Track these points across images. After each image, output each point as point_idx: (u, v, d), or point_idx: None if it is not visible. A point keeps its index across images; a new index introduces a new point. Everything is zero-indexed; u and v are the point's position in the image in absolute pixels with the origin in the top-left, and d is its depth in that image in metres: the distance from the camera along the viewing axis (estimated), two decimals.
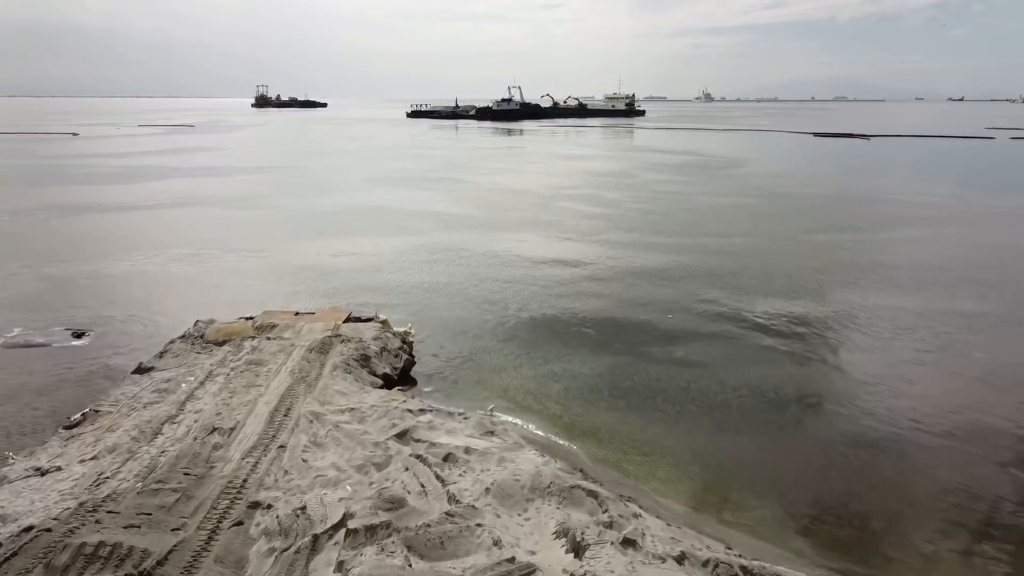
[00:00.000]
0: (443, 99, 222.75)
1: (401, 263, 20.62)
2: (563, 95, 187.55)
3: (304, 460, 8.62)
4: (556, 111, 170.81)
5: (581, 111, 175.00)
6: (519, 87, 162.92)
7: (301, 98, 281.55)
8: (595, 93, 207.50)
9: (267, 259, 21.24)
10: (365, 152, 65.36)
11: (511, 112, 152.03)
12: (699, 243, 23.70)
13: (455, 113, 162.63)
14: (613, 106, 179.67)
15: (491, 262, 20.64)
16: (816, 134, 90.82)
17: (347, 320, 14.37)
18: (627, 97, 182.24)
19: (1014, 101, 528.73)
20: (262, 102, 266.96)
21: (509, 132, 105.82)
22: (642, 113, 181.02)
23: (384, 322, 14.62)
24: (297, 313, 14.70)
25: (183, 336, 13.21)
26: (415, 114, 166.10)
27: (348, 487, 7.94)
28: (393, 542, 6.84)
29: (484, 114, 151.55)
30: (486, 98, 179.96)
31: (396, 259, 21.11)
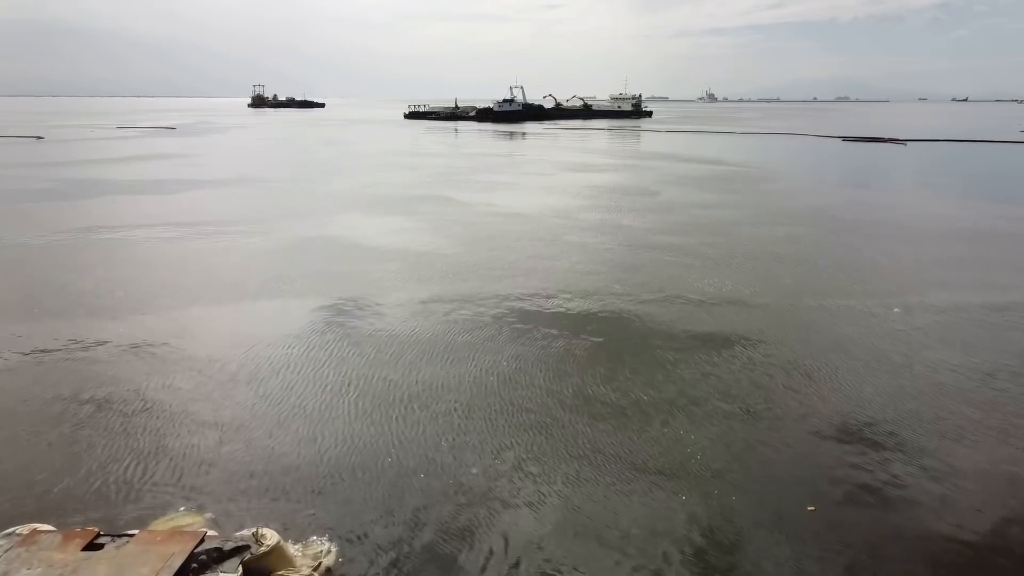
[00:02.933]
0: (445, 99, 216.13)
1: (323, 369, 13.20)
2: (565, 96, 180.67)
3: None
4: (559, 112, 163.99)
5: (585, 112, 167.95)
6: (521, 87, 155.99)
7: (299, 98, 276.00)
8: (597, 93, 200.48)
9: (114, 351, 13.95)
10: (349, 159, 58.17)
11: (513, 113, 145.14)
12: (778, 318, 16.40)
13: (454, 114, 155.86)
14: (619, 107, 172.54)
15: (475, 368, 13.26)
16: (845, 138, 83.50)
17: (192, 556, 7.20)
18: (633, 97, 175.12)
19: (1021, 102, 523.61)
20: (258, 102, 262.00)
21: (511, 136, 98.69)
22: (649, 114, 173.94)
23: (270, 554, 7.44)
24: (96, 540, 7.47)
25: None
26: (413, 115, 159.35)
27: None
28: None
29: (485, 115, 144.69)
30: (488, 99, 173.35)
31: (319, 357, 13.71)
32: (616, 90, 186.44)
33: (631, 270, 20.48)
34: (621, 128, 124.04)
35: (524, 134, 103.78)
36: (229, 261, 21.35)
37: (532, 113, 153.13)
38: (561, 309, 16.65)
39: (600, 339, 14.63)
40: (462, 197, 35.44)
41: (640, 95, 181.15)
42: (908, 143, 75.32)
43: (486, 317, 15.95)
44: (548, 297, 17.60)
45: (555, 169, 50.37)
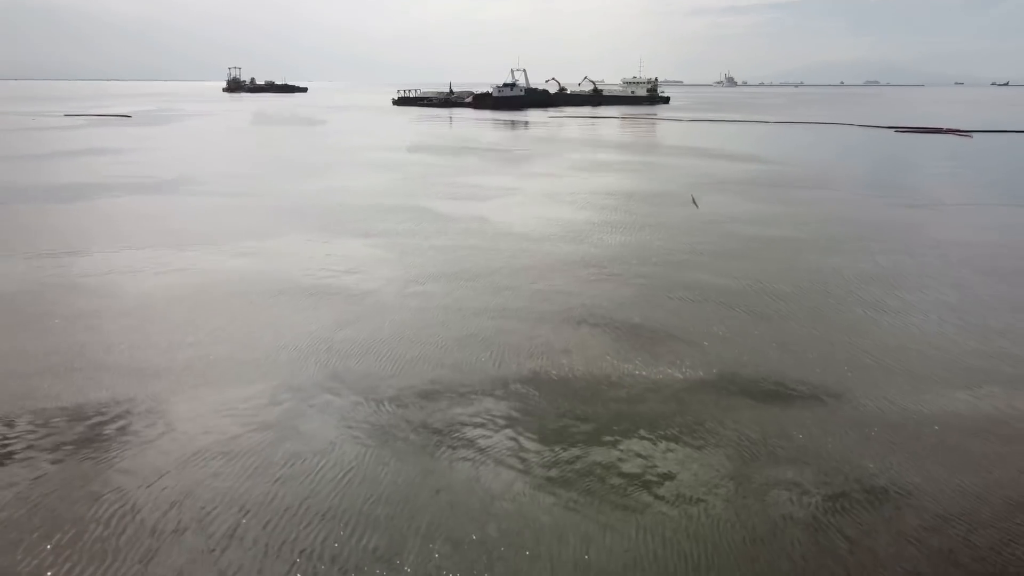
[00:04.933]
0: (439, 84, 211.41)
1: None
2: (573, 79, 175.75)
3: None
4: (566, 98, 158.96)
5: (595, 98, 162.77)
6: (523, 70, 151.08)
7: (279, 82, 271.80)
8: (606, 76, 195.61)
9: None
10: (318, 155, 52.79)
11: (514, 99, 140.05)
12: (924, 451, 11.06)
13: (448, 100, 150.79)
14: (632, 92, 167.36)
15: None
16: (897, 129, 77.95)
17: None
18: (649, 81, 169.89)
19: None
20: (234, 86, 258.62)
21: (512, 125, 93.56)
22: (666, 100, 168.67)
23: None
24: None
25: None
26: (402, 101, 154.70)
27: None
28: None
29: (483, 101, 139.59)
30: (486, 83, 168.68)
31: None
32: (629, 73, 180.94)
33: (668, 336, 15.06)
34: (635, 116, 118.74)
35: (526, 123, 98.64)
36: (81, 328, 15.98)
37: (535, 99, 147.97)
38: (574, 425, 11.27)
39: (630, 492, 9.26)
40: (445, 208, 30.09)
41: (656, 79, 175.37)
42: (973, 135, 69.85)
43: (444, 456, 10.59)
44: (553, 400, 12.22)
45: (562, 168, 45.01)
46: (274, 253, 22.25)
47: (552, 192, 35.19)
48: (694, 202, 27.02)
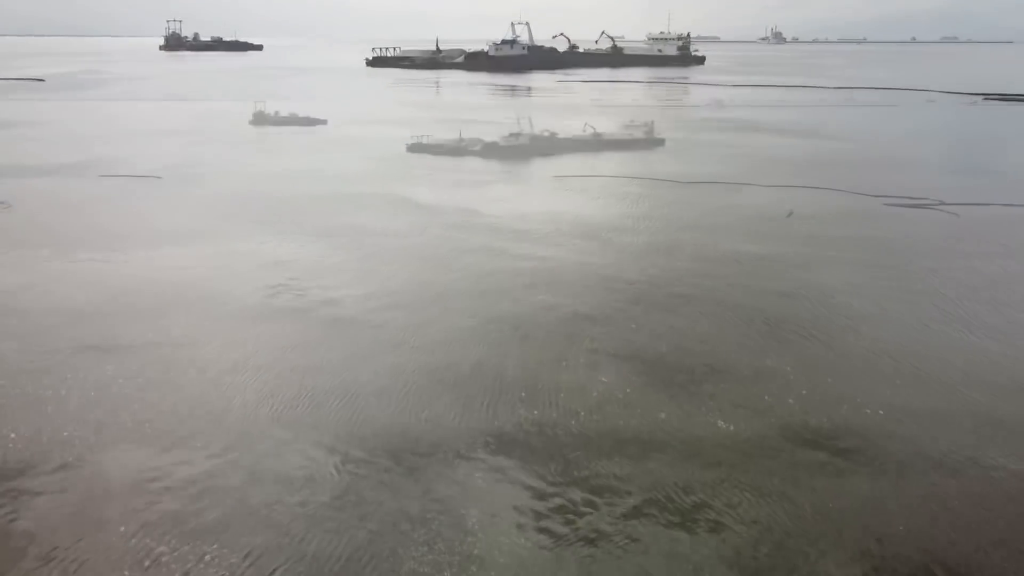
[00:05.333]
0: (424, 40, 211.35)
1: None
2: (585, 35, 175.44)
3: None
4: (578, 58, 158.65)
5: (614, 57, 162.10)
6: (527, 23, 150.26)
7: (227, 38, 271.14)
8: (627, 31, 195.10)
9: None
10: (273, 130, 51.81)
11: (515, 60, 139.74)
12: None
13: (435, 60, 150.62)
14: (660, 50, 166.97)
15: None
16: (986, 96, 77.28)
17: None
18: (679, 38, 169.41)
19: None
20: (174, 43, 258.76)
21: (512, 91, 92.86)
22: (701, 60, 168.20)
23: None
24: None
25: None
26: (378, 61, 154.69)
27: None
28: None
29: (476, 62, 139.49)
30: (481, 39, 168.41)
31: None
32: (655, 27, 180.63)
33: (707, 371, 14.03)
34: (664, 80, 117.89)
35: (529, 89, 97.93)
36: None
37: (541, 59, 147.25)
38: None
39: None
40: (427, 198, 29.18)
41: (688, 34, 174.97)
42: None
43: None
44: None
45: (572, 147, 43.99)
46: (210, 257, 21.30)
47: (559, 178, 34.33)
48: (789, 214, 26.35)
